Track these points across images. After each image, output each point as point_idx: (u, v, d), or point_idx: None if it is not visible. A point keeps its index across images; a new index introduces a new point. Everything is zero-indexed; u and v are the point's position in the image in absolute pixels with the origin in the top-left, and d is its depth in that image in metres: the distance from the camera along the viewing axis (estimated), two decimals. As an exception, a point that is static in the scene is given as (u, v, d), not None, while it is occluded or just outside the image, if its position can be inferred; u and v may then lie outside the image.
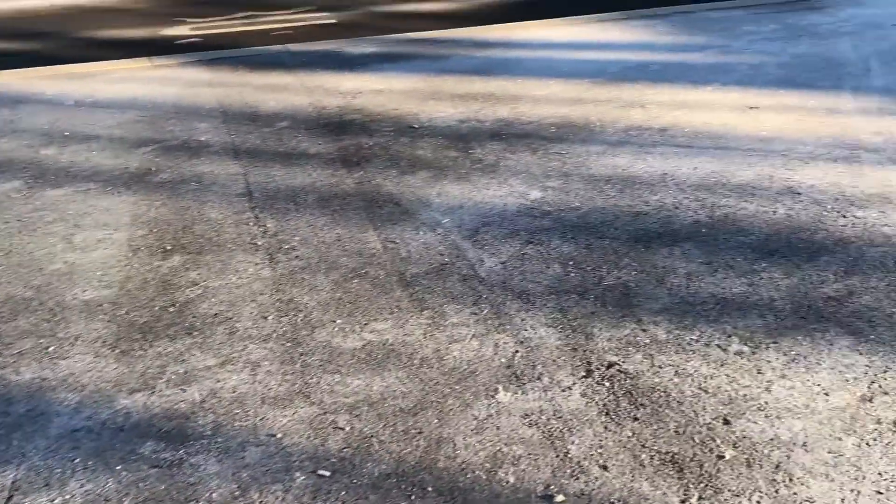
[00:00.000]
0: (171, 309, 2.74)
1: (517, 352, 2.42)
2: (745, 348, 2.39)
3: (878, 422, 2.08)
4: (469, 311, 2.64)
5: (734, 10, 6.33)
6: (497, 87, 4.88)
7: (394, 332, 2.55)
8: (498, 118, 4.36)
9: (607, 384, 2.27)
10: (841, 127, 3.97)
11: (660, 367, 2.33)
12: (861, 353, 2.34)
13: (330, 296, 2.77)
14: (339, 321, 2.62)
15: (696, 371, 2.30)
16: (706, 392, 2.22)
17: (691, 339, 2.45)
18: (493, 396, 2.24)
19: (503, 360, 2.39)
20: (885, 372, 2.25)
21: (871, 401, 2.15)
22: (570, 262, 2.91)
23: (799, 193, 3.32)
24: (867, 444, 2.01)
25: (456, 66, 5.35)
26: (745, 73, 4.86)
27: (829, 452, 1.98)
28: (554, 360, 2.38)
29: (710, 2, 6.62)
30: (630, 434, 2.08)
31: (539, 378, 2.31)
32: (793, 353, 2.35)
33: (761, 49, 5.29)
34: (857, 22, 5.77)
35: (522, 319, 2.58)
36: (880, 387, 2.20)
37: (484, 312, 2.63)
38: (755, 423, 2.09)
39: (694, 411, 2.15)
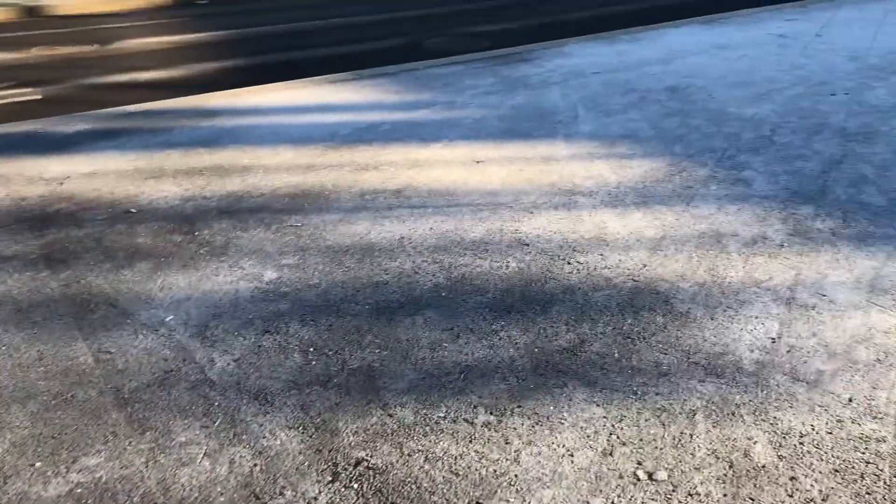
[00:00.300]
0: None
1: (256, 465, 2.18)
2: (492, 418, 2.35)
3: (621, 476, 2.11)
4: (199, 424, 2.35)
5: (455, 65, 6.61)
6: (225, 158, 4.62)
7: (108, 465, 2.19)
8: (227, 193, 4.10)
9: (356, 486, 2.10)
10: (558, 174, 4.20)
11: (409, 454, 2.21)
12: (598, 405, 2.39)
13: (28, 433, 2.34)
14: (38, 464, 2.21)
15: (445, 453, 2.21)
16: (457, 475, 2.13)
17: (439, 416, 2.36)
18: (229, 526, 1.98)
19: (240, 478, 2.14)
20: (621, 421, 2.32)
21: (611, 454, 2.19)
22: (311, 349, 2.73)
23: (527, 245, 3.43)
24: (612, 503, 2.02)
25: (179, 138, 5.01)
26: (471, 127, 5.04)
27: (579, 520, 1.97)
28: (297, 468, 2.17)
29: (431, 59, 6.87)
30: (383, 541, 1.92)
31: (282, 493, 2.08)
32: (536, 415, 2.35)
33: (483, 103, 5.54)
34: (563, 72, 6.26)
35: (260, 425, 2.34)
36: (618, 437, 2.25)
37: (216, 424, 2.35)
38: (507, 501, 2.03)
39: (446, 500, 2.05)
